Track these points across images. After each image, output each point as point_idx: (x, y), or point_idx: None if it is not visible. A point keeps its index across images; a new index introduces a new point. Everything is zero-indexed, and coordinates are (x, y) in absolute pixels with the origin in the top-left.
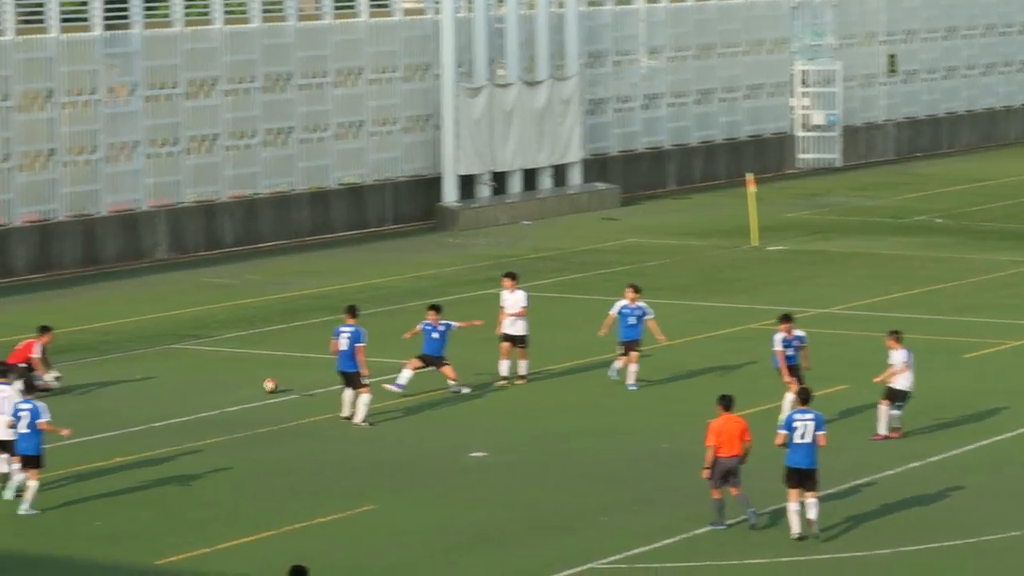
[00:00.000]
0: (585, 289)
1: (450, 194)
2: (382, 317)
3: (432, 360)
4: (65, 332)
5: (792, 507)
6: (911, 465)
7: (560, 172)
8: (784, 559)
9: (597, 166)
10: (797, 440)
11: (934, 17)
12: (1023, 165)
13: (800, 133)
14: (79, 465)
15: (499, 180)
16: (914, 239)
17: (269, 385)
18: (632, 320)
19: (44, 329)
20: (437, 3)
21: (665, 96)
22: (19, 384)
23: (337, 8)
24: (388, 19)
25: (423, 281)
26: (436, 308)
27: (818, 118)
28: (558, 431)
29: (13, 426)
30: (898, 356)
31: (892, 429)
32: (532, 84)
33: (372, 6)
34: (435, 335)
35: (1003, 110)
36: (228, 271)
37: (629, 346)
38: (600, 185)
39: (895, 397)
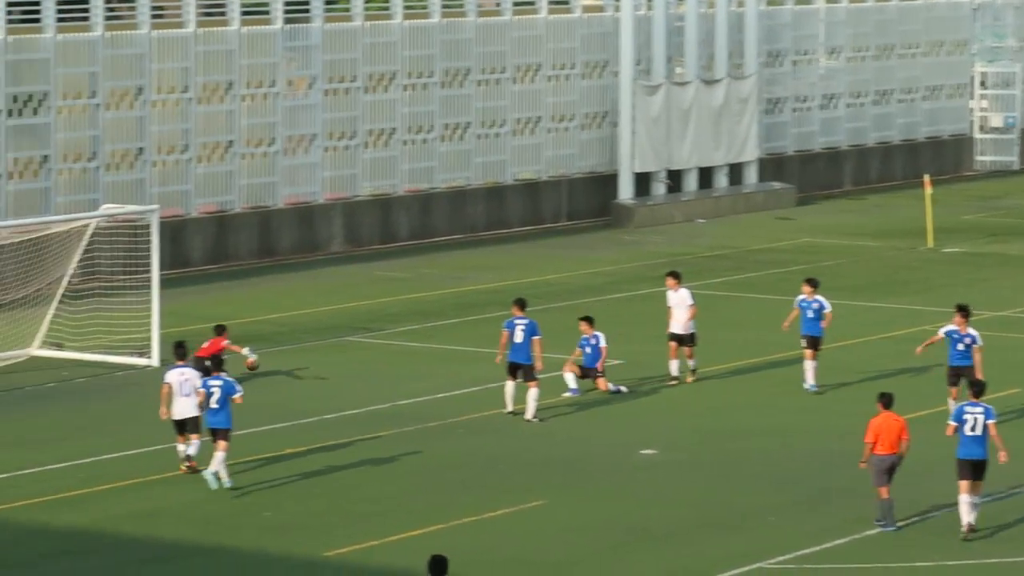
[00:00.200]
0: (759, 288)
1: (626, 191)
2: (554, 313)
3: (587, 372)
4: (239, 323)
5: (964, 499)
6: None
7: (736, 171)
8: (952, 562)
9: (773, 165)
10: (968, 432)
11: None
12: None
13: (978, 135)
14: (249, 455)
15: (674, 178)
16: None
17: (250, 360)
18: (810, 314)
19: (220, 329)
20: (617, 0)
21: (843, 96)
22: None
23: (517, 4)
24: (568, 16)
25: (597, 278)
26: (589, 320)
27: (996, 120)
28: (728, 430)
29: (205, 400)
30: None
31: None
32: (710, 83)
33: (551, 3)
34: (588, 349)
35: None
36: (402, 265)
37: (809, 341)
38: (776, 184)
39: None
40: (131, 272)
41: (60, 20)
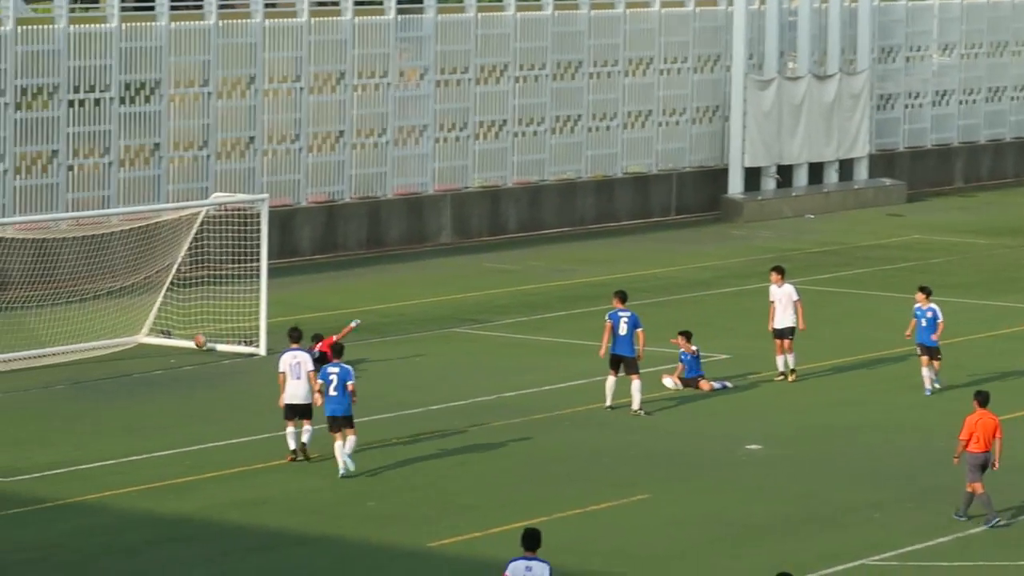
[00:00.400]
0: (867, 285)
1: (735, 186)
2: (662, 307)
3: (688, 383)
4: (347, 313)
5: None
6: None
7: (846, 167)
8: None
9: (884, 161)
10: None
11: None
12: None
13: None
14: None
15: (784, 173)
16: None
17: (199, 339)
18: (924, 322)
19: (317, 338)
20: None
21: (955, 93)
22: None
23: None
24: (681, 9)
25: (705, 272)
26: (687, 335)
27: None
28: (833, 426)
29: (323, 390)
30: None
31: None
32: (822, 78)
33: None
34: (688, 358)
35: None
36: (511, 257)
37: (924, 349)
38: (886, 181)
39: None
40: (240, 261)
41: (173, 8)
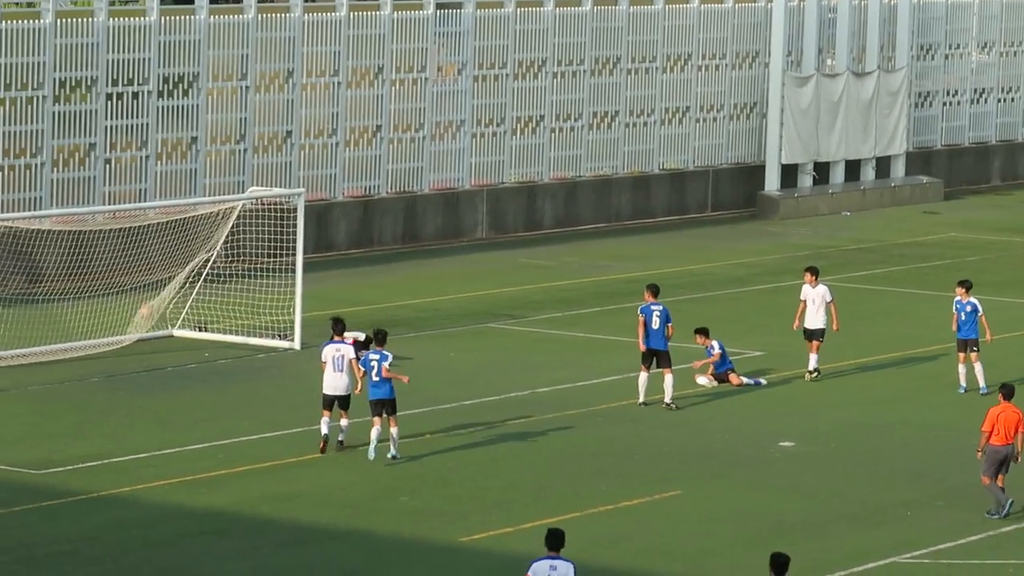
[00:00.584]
0: (903, 282)
1: (772, 183)
2: (697, 304)
3: (720, 377)
4: (382, 308)
5: None
6: None
7: (883, 164)
8: None
9: (921, 159)
10: None
11: None
12: None
13: None
14: (384, 439)
15: (821, 170)
16: None
17: (143, 311)
18: (963, 316)
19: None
20: None
21: (994, 91)
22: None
23: None
24: (719, 5)
25: (740, 269)
26: (704, 332)
27: None
28: (867, 423)
29: (366, 376)
30: None
31: None
32: (860, 75)
33: None
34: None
35: None
36: (546, 253)
37: (960, 344)
38: (923, 178)
39: None
40: (275, 255)
41: (213, 1)
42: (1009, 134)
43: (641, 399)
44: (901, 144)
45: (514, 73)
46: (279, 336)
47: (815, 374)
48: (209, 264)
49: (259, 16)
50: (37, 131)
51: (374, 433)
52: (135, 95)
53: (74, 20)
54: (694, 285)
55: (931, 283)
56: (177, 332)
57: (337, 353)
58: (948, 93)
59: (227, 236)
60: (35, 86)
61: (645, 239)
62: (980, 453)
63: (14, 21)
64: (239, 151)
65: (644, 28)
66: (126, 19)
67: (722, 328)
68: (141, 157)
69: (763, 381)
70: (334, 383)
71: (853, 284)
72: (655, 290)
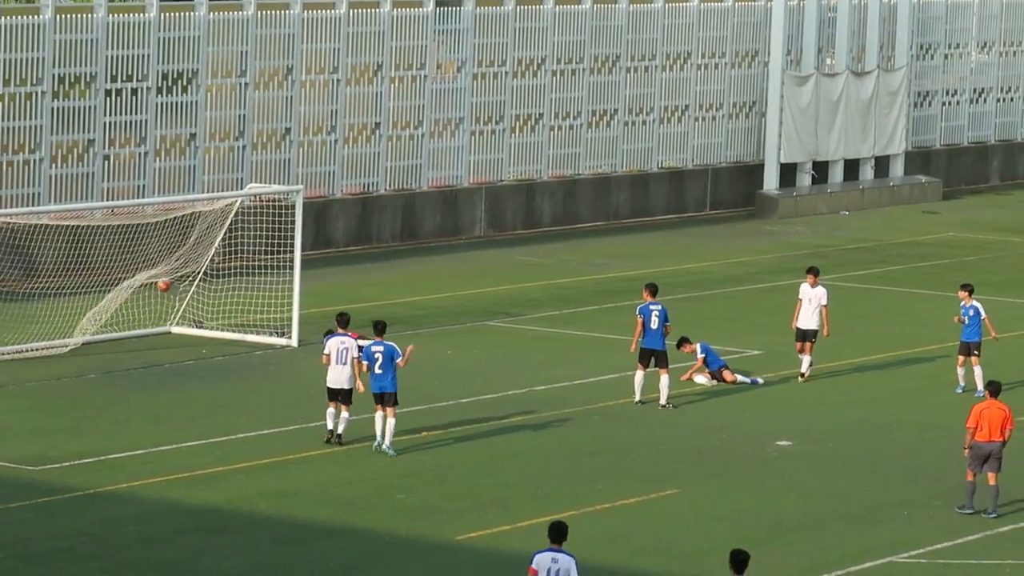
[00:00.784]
0: (901, 282)
1: (771, 182)
2: (696, 302)
3: (714, 375)
4: (380, 305)
5: None
6: None
7: (882, 163)
8: None
9: (920, 159)
10: None
11: None
12: None
13: None
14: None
15: (820, 169)
16: None
17: (162, 285)
18: (965, 319)
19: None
20: None
21: (993, 91)
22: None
23: None
24: (719, 4)
25: (739, 268)
26: (685, 340)
27: None
28: (865, 423)
29: (369, 368)
30: None
31: None
32: (860, 74)
33: None
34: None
35: None
36: (545, 251)
37: (962, 347)
38: (922, 178)
39: None
40: (274, 252)
41: None
42: (1008, 134)
43: (637, 398)
44: (900, 143)
45: (513, 71)
46: (277, 333)
47: (803, 377)
48: (207, 261)
49: (258, 13)
50: (36, 127)
51: (378, 421)
52: (134, 91)
53: (73, 16)
54: (692, 284)
55: (929, 283)
56: (174, 329)
57: (341, 346)
58: (947, 93)
59: (225, 233)
60: (34, 82)
61: (644, 238)
62: (967, 450)
63: (13, 17)
64: (238, 148)
65: (644, 26)
66: (125, 15)
67: (720, 327)
68: (140, 153)
69: (760, 380)
70: (337, 376)
71: (851, 284)
72: (653, 289)
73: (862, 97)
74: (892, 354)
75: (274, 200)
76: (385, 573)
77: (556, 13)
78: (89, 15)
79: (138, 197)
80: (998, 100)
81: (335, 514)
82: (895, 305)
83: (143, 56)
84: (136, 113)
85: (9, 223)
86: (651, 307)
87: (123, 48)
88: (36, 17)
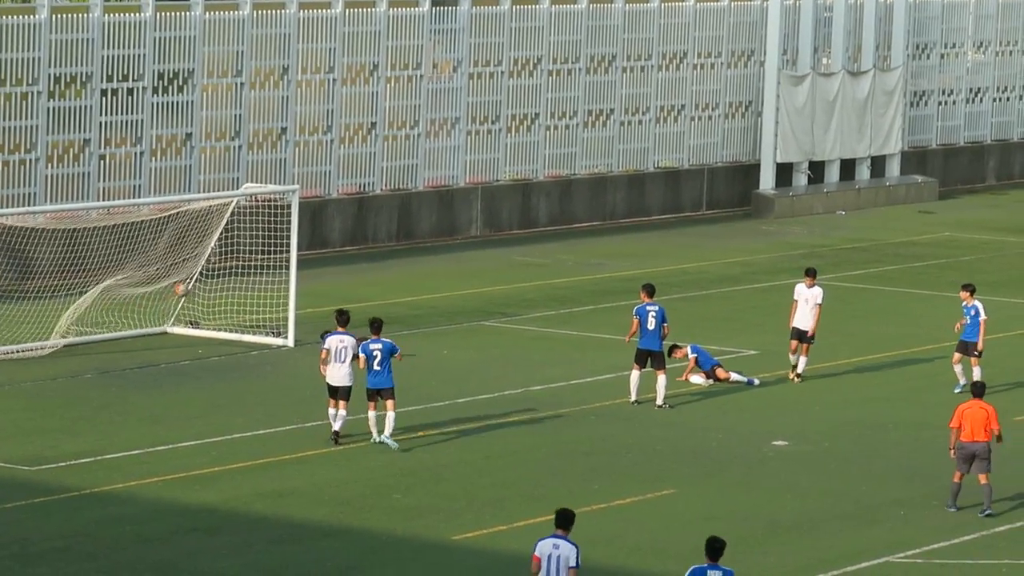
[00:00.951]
0: (897, 282)
1: (767, 182)
2: (692, 302)
3: (708, 375)
4: (376, 305)
5: None
6: None
7: (878, 163)
8: None
9: (916, 158)
10: None
11: None
12: None
13: None
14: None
15: (816, 169)
16: None
17: (178, 289)
18: (966, 319)
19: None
20: None
21: (989, 90)
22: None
23: None
24: (716, 4)
25: (735, 268)
26: (675, 347)
27: None
28: (862, 422)
29: (364, 364)
30: None
31: None
32: (856, 74)
33: None
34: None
35: None
36: (541, 251)
37: (960, 346)
38: (918, 178)
39: None
40: (269, 252)
41: None
42: (1004, 133)
43: (634, 397)
44: (896, 143)
45: (509, 71)
46: (273, 333)
47: (798, 377)
48: (203, 261)
49: (254, 12)
50: (32, 127)
51: (372, 418)
52: (130, 91)
53: (69, 16)
54: (688, 284)
55: (926, 283)
56: (171, 329)
57: (340, 344)
58: (943, 92)
59: (221, 233)
60: (30, 82)
61: (640, 237)
62: (952, 451)
63: (9, 16)
64: (234, 147)
65: (640, 26)
66: (121, 15)
67: (716, 327)
68: (136, 153)
69: (756, 381)
70: (335, 374)
71: (848, 283)
72: (651, 290)
73: (858, 97)
74: (888, 354)
75: (270, 200)
76: (382, 573)
77: (552, 13)
78: (85, 15)
79: (134, 197)
80: (994, 100)
81: (331, 514)
82: (891, 305)
83: (139, 56)
84: (132, 113)
85: (5, 223)
86: (648, 308)
87: (119, 48)
88: (32, 17)
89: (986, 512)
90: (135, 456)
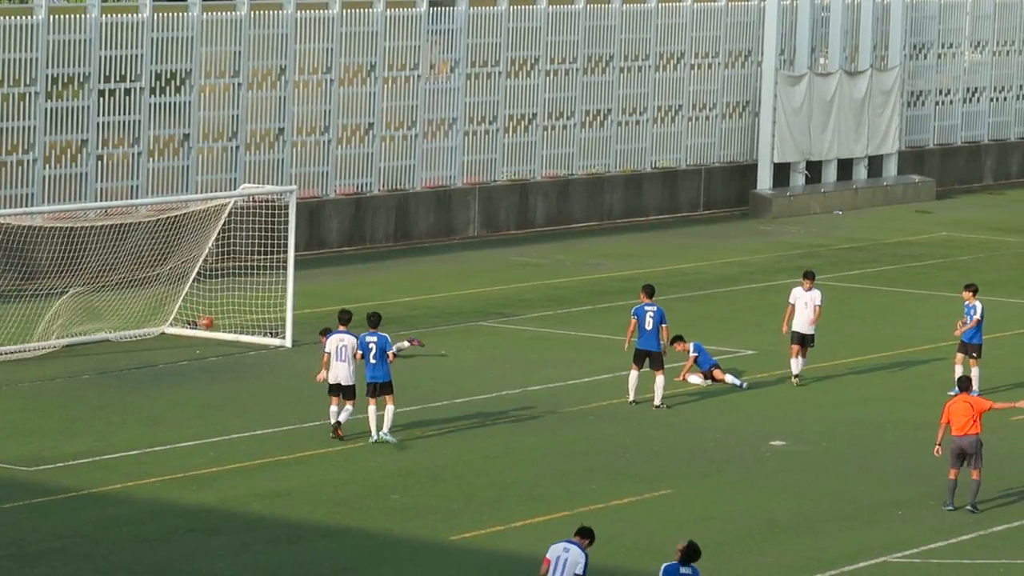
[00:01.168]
0: (894, 282)
1: (764, 181)
2: (689, 302)
3: (706, 375)
4: (374, 305)
5: None
6: None
7: (875, 163)
8: None
9: (913, 158)
10: None
11: None
12: None
13: None
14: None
15: (813, 169)
16: None
17: (203, 322)
18: (967, 320)
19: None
20: None
21: (987, 90)
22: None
23: None
24: (713, 4)
25: (732, 268)
26: (679, 338)
27: None
28: (860, 422)
29: (362, 358)
30: None
31: None
32: (853, 74)
33: None
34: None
35: None
36: (538, 251)
37: (961, 347)
38: (915, 177)
39: None
40: (267, 252)
41: None
42: (1001, 133)
43: (631, 398)
44: (893, 143)
45: (507, 71)
46: (270, 334)
47: (798, 379)
48: (200, 262)
49: (251, 13)
50: (29, 127)
51: (371, 413)
52: (127, 91)
53: (67, 16)
54: (686, 284)
55: (923, 282)
56: (168, 329)
57: (341, 343)
58: (941, 92)
59: (219, 233)
60: (27, 82)
61: (637, 238)
62: (938, 447)
63: (7, 17)
64: (231, 148)
65: (637, 26)
66: (118, 15)
67: (714, 327)
68: (133, 154)
69: (744, 385)
70: (336, 372)
71: (845, 283)
72: (650, 291)
73: (855, 97)
74: (886, 354)
75: (267, 200)
76: (380, 573)
77: (549, 13)
78: (82, 15)
79: (132, 197)
80: (991, 100)
81: (329, 514)
82: (889, 305)
83: (136, 56)
84: (129, 113)
85: (3, 224)
86: (646, 308)
87: (116, 48)
88: (29, 17)
89: (968, 506)
90: (133, 457)
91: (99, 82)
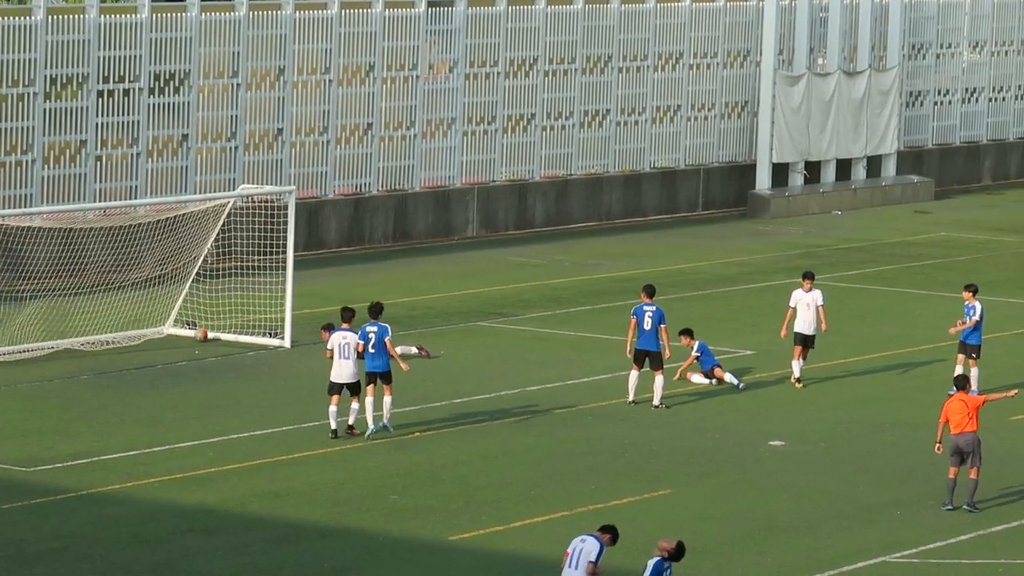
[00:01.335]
0: (893, 282)
1: (763, 182)
2: (688, 303)
3: (707, 374)
4: None
5: None
6: None
7: (874, 163)
8: None
9: (912, 158)
10: None
11: None
12: None
13: None
14: (377, 439)
15: (812, 169)
16: None
17: (200, 335)
18: (966, 320)
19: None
20: None
21: (985, 90)
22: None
23: None
24: (711, 4)
25: (731, 268)
26: (688, 332)
27: None
28: (859, 422)
29: (363, 348)
30: None
31: None
32: (852, 74)
33: None
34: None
35: None
36: (537, 251)
37: (961, 347)
38: (914, 178)
39: None
40: (266, 253)
41: None
42: (1000, 133)
43: (631, 398)
44: (892, 143)
45: (505, 71)
46: (269, 334)
47: (800, 383)
48: (200, 262)
49: (250, 13)
50: (28, 128)
51: (369, 404)
52: (126, 92)
53: (65, 17)
54: (685, 284)
55: (922, 282)
56: (167, 330)
57: (343, 341)
58: (939, 92)
59: (218, 234)
60: (26, 83)
61: (636, 238)
62: (939, 445)
63: (6, 17)
64: (230, 148)
65: (635, 26)
66: (117, 16)
67: (713, 327)
68: (132, 154)
69: (741, 385)
70: (340, 371)
71: (844, 283)
72: (650, 291)
73: (854, 97)
74: (885, 354)
75: (266, 201)
76: (378, 574)
77: (548, 13)
78: (81, 16)
79: (130, 198)
80: (990, 100)
81: (328, 515)
82: (888, 305)
83: (135, 57)
84: (128, 114)
85: (1, 224)
86: (645, 308)
87: (115, 49)
88: (28, 18)
89: (965, 505)
90: (132, 457)
91: (98, 83)
